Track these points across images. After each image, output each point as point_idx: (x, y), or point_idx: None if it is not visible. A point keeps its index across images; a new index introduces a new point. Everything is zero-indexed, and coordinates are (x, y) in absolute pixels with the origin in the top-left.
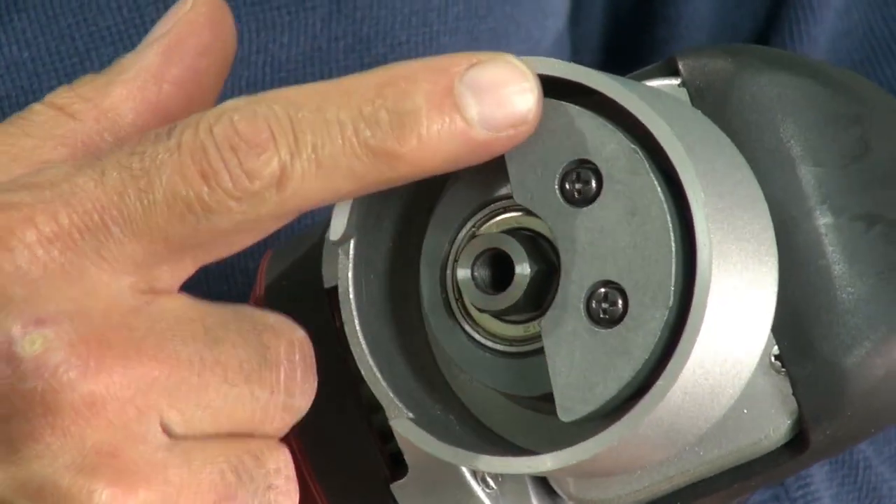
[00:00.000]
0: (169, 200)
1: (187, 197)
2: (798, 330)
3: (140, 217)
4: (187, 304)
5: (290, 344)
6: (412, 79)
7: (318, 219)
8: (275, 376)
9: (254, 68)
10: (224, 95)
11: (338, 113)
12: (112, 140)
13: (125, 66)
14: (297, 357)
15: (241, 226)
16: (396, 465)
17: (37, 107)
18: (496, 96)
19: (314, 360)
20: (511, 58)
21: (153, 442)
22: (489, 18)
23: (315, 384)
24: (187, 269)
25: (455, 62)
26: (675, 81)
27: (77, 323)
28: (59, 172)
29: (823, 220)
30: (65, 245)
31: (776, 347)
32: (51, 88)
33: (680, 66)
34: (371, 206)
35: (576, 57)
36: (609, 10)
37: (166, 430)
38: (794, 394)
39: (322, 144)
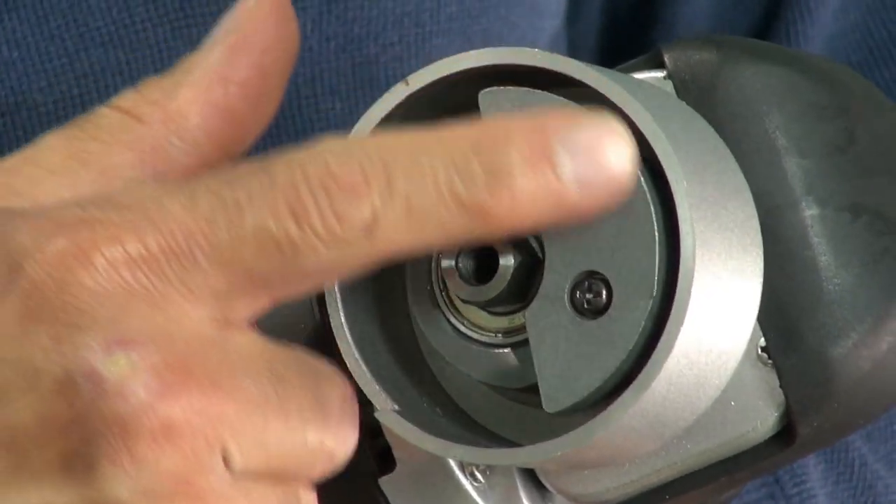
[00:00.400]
0: (258, 235)
1: (276, 234)
2: (784, 321)
3: (227, 249)
4: (257, 340)
5: (344, 396)
6: (508, 134)
7: None
8: (327, 424)
9: None
10: None
11: (432, 162)
12: (180, 144)
13: (191, 66)
14: (348, 408)
15: (324, 267)
16: (385, 459)
17: (104, 110)
18: (593, 158)
19: (358, 413)
20: (610, 118)
21: (220, 474)
22: (482, 19)
23: (356, 437)
24: (263, 305)
25: (553, 120)
26: (661, 74)
27: (160, 348)
28: (147, 193)
29: (809, 211)
30: (150, 268)
31: (763, 339)
32: (40, 89)
33: (665, 59)
34: None
35: (572, 57)
36: (606, 12)
37: (227, 464)
38: (780, 386)
39: (415, 193)
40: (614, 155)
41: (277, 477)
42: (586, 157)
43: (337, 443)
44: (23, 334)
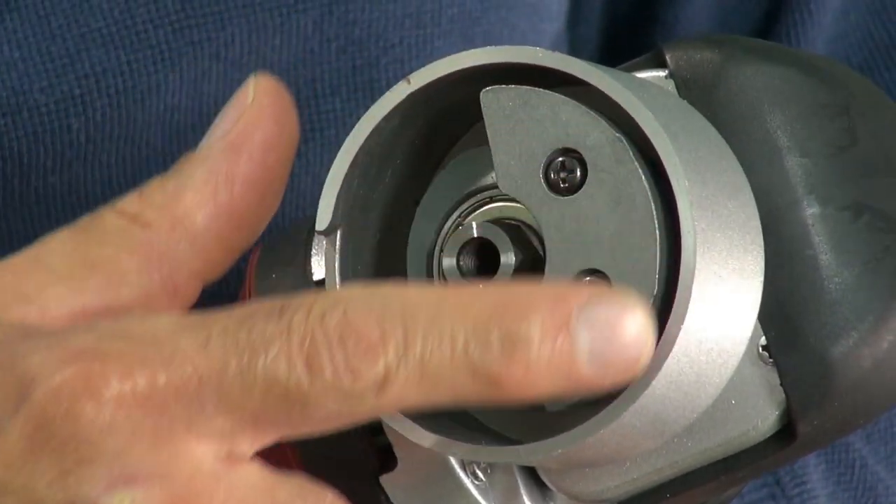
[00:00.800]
0: (269, 382)
1: (287, 383)
2: (785, 320)
3: (237, 393)
4: (260, 474)
5: None
6: (531, 303)
7: (308, 212)
8: None
9: (246, 70)
10: (214, 96)
11: (452, 325)
12: (188, 249)
13: (193, 166)
14: None
15: (331, 416)
16: (386, 457)
17: (108, 215)
18: (610, 338)
19: None
20: (631, 296)
21: None
22: (483, 21)
23: None
24: (266, 442)
25: (577, 293)
26: (663, 73)
27: (163, 486)
28: (162, 328)
29: (810, 211)
30: (158, 406)
31: (764, 338)
32: (41, 89)
33: (667, 58)
34: (357, 197)
35: None
36: (607, 13)
37: None
38: (781, 384)
39: (430, 356)
40: (633, 336)
41: None
42: (604, 335)
43: None
44: (28, 463)
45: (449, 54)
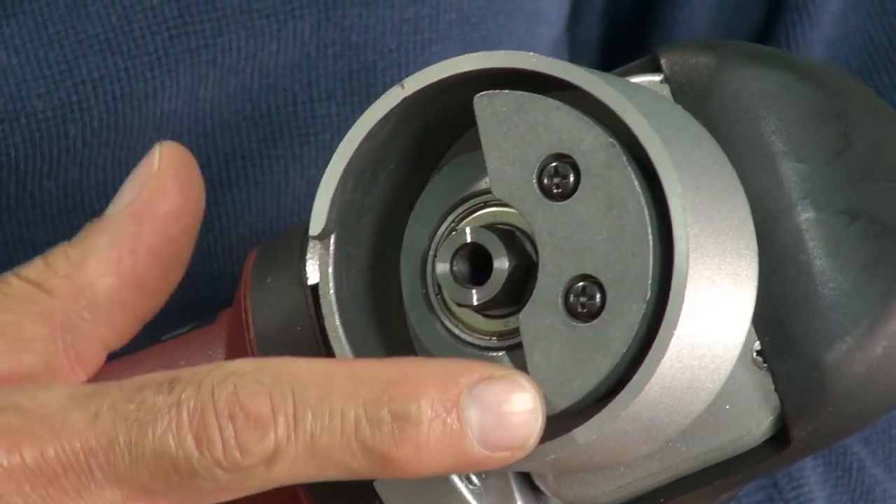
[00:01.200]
0: (158, 456)
1: (176, 458)
2: (780, 325)
3: (125, 468)
4: None
5: None
6: (422, 381)
7: (303, 216)
8: None
9: (242, 76)
10: (211, 102)
11: (343, 402)
12: (91, 317)
13: (96, 234)
14: None
15: (222, 489)
16: None
17: (13, 280)
18: (499, 417)
19: None
20: (522, 377)
21: None
22: (481, 27)
23: None
24: None
25: (466, 372)
26: (658, 77)
27: None
28: (53, 400)
29: (805, 216)
30: (47, 479)
31: (758, 343)
32: (38, 96)
33: (662, 62)
34: (352, 201)
35: (573, 62)
36: (606, 17)
37: None
38: (775, 389)
39: (320, 432)
40: (521, 417)
41: None
42: (494, 417)
43: None
44: None
45: (445, 58)
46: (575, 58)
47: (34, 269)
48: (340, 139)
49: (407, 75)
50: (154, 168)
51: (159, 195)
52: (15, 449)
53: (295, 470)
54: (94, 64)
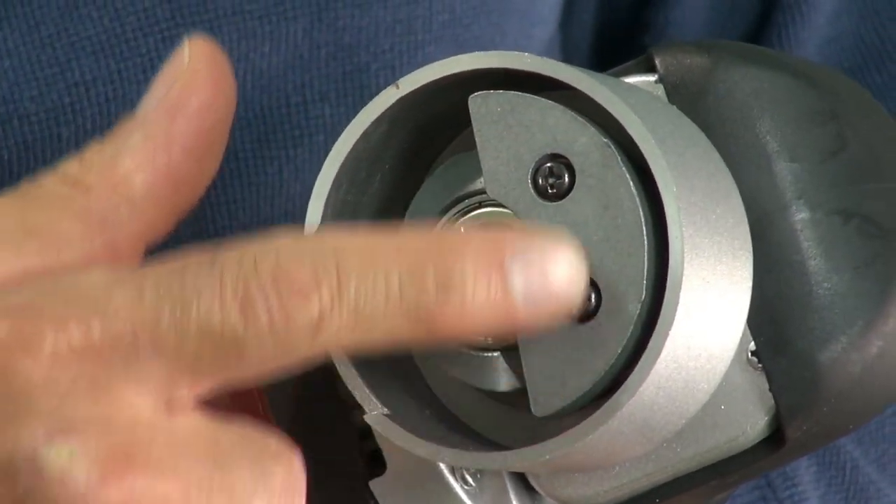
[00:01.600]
0: (203, 330)
1: (222, 330)
2: (774, 325)
3: (172, 343)
4: (202, 423)
5: (289, 473)
6: (464, 245)
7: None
8: (272, 501)
9: (236, 77)
10: None
11: (386, 268)
12: (127, 212)
13: (130, 130)
14: (294, 486)
15: (267, 361)
16: (375, 462)
17: (49, 179)
18: (543, 276)
19: (305, 486)
20: (563, 237)
21: None
22: (474, 27)
23: None
24: (206, 390)
25: (510, 237)
26: (652, 78)
27: (102, 437)
28: (96, 282)
29: (800, 216)
30: (94, 358)
31: (752, 343)
32: (31, 98)
33: (657, 62)
34: (346, 202)
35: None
36: (599, 17)
37: None
38: (770, 389)
39: (364, 297)
40: (564, 274)
41: None
42: (536, 275)
43: None
44: None
45: (439, 59)
46: (568, 58)
47: (70, 167)
48: (334, 140)
49: (400, 76)
50: (185, 62)
51: (191, 89)
52: (62, 329)
53: (340, 337)
54: (87, 66)
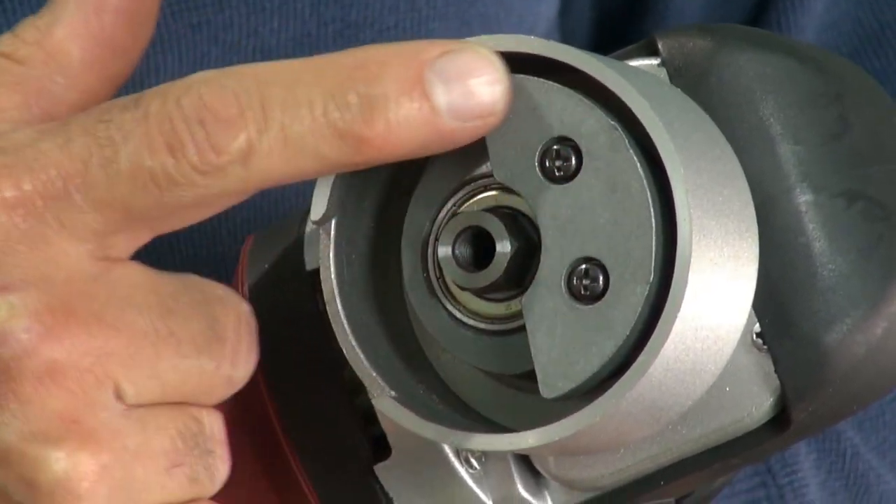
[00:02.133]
0: (133, 171)
1: (152, 168)
2: (779, 307)
3: (103, 186)
4: (142, 272)
5: (238, 317)
6: (384, 63)
7: (299, 203)
8: (223, 349)
9: (244, 53)
10: None
11: (308, 92)
12: (63, 81)
13: (63, 1)
14: (244, 330)
15: (202, 200)
16: (380, 446)
17: None
18: (464, 86)
19: (256, 334)
20: (481, 48)
21: (111, 409)
22: (479, 3)
23: (256, 358)
24: (142, 239)
25: (427, 49)
26: (655, 61)
27: (40, 290)
28: (23, 137)
29: (804, 198)
30: (27, 211)
31: (758, 325)
32: None
33: (659, 46)
34: (352, 185)
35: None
36: (598, 2)
37: (120, 398)
38: (775, 371)
39: (290, 122)
40: (486, 83)
41: (175, 405)
42: (459, 86)
43: (234, 367)
44: None
45: (444, 37)
46: (567, 41)
47: (4, 41)
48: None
49: None
50: None
51: None
52: None
53: (271, 165)
54: None
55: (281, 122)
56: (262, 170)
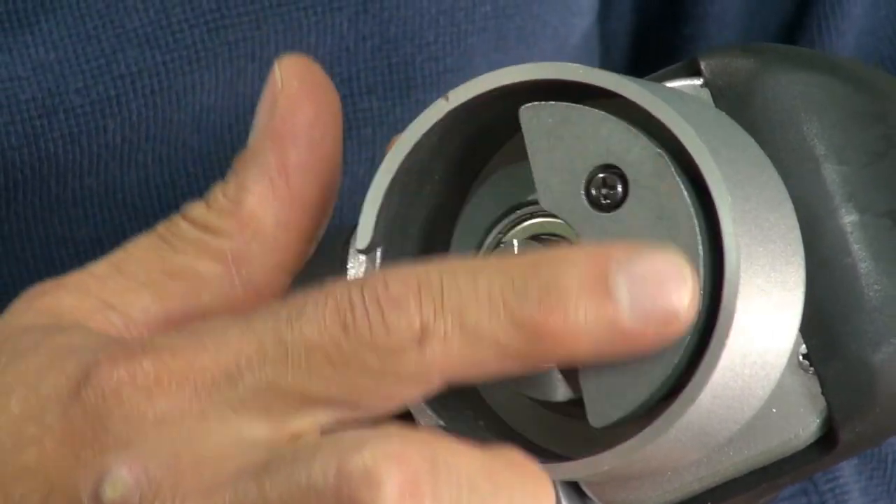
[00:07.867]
0: (308, 349)
1: (323, 346)
2: (825, 328)
3: (276, 367)
4: None
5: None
6: (568, 260)
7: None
8: None
9: None
10: (250, 96)
11: (489, 280)
12: (261, 247)
13: (244, 166)
14: None
15: (379, 384)
16: None
17: (182, 224)
18: (652, 289)
19: None
20: (670, 251)
21: None
22: (517, 17)
23: None
24: (326, 419)
25: (615, 250)
26: (698, 82)
27: (167, 471)
28: (216, 324)
29: (848, 218)
30: (194, 389)
31: (804, 346)
32: (76, 91)
33: (702, 67)
34: (398, 213)
35: (605, 55)
36: (638, 8)
37: None
38: (822, 392)
39: (467, 308)
40: (675, 289)
41: None
42: (646, 289)
43: None
44: (59, 456)
45: (482, 51)
46: (607, 50)
47: (197, 211)
48: (382, 133)
49: (444, 68)
50: (278, 85)
51: (291, 109)
52: (167, 365)
53: (448, 351)
54: (133, 58)
55: (458, 306)
56: (439, 355)
